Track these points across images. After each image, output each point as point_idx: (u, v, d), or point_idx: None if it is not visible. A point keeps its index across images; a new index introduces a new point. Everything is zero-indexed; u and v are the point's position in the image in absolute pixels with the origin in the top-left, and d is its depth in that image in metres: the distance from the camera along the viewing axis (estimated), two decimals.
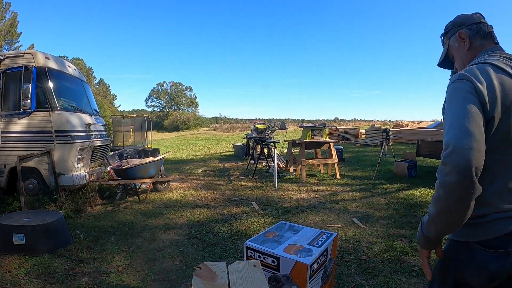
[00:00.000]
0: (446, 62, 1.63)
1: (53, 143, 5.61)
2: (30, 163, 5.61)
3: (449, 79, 1.36)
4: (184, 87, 71.22)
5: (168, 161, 12.89)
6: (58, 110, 5.69)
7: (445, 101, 1.30)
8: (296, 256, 2.06)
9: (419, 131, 13.08)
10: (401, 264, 3.32)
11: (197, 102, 71.74)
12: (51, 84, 5.77)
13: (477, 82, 1.22)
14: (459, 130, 1.16)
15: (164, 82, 71.71)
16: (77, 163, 5.84)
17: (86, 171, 6.04)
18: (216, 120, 64.60)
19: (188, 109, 68.09)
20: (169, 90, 70.16)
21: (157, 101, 70.33)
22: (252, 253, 2.25)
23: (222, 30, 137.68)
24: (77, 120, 5.98)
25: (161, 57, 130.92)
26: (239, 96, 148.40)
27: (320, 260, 2.14)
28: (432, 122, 26.65)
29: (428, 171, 8.52)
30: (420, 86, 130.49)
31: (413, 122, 29.61)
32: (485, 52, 1.41)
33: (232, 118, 68.56)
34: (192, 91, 72.34)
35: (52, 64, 6.02)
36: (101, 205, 5.78)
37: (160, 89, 70.35)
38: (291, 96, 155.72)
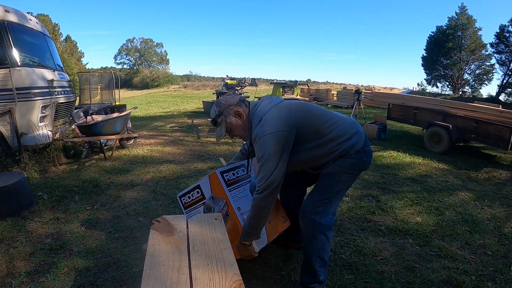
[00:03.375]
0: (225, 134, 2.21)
1: (14, 102, 5.24)
2: None
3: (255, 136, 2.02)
4: (154, 43, 68.47)
5: (136, 117, 12.59)
6: (19, 66, 5.29)
7: (261, 146, 1.93)
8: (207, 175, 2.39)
9: (390, 94, 13.13)
10: (367, 223, 3.38)
11: (168, 59, 69.24)
12: (11, 39, 5.30)
13: (280, 130, 1.91)
14: (275, 170, 1.89)
15: (134, 38, 68.51)
16: (40, 122, 5.51)
17: (49, 129, 5.73)
18: (187, 77, 62.65)
19: (159, 66, 65.80)
20: (139, 47, 67.37)
21: (127, 58, 67.52)
22: (184, 199, 2.61)
23: None
24: (39, 76, 5.58)
25: (131, 13, 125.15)
26: (211, 53, 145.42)
27: (238, 173, 2.45)
28: (404, 90, 27.07)
29: (397, 134, 8.69)
30: (393, 54, 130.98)
31: (385, 88, 29.89)
32: (257, 108, 2.09)
33: (204, 76, 66.86)
34: (163, 47, 69.71)
35: (13, 18, 5.53)
36: (66, 164, 5.56)
37: (130, 46, 67.43)
38: (265, 55, 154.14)
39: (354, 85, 40.00)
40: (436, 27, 33.17)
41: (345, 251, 2.84)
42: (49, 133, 5.65)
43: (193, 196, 2.38)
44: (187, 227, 1.50)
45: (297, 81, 9.29)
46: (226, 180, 2.34)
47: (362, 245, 2.93)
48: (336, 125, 2.09)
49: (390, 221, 3.43)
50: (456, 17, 31.79)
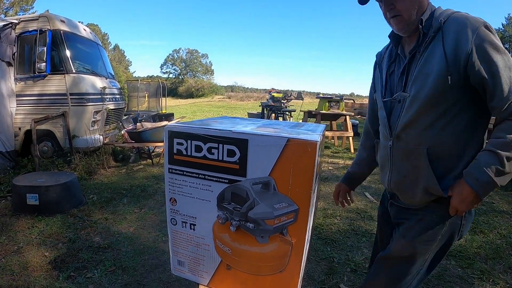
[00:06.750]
0: None
1: (68, 106, 5.63)
2: (45, 126, 5.66)
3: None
4: (200, 54, 70.15)
5: None
6: (73, 73, 5.68)
7: (482, 43, 1.10)
8: (284, 132, 1.08)
9: None
10: None
11: (213, 69, 70.55)
12: (66, 47, 5.74)
13: None
14: None
15: (180, 49, 70.67)
16: (92, 126, 5.87)
17: (100, 133, 6.09)
18: (231, 88, 63.80)
19: (203, 77, 67.22)
20: (184, 57, 69.30)
21: (172, 68, 69.60)
22: (180, 143, 1.20)
23: None
24: (92, 83, 5.98)
25: (177, 24, 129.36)
26: (255, 65, 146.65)
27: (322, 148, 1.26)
28: None
29: None
30: None
31: None
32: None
33: (247, 87, 67.65)
34: (207, 58, 71.16)
35: (67, 27, 5.96)
36: (114, 168, 5.83)
37: (176, 56, 69.55)
38: (308, 69, 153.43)
39: None
40: None
41: None
42: (100, 137, 5.99)
43: (194, 152, 1.16)
44: None
45: (343, 95, 9.22)
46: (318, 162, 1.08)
47: None
48: None
49: None
50: (503, 28, 30.23)
